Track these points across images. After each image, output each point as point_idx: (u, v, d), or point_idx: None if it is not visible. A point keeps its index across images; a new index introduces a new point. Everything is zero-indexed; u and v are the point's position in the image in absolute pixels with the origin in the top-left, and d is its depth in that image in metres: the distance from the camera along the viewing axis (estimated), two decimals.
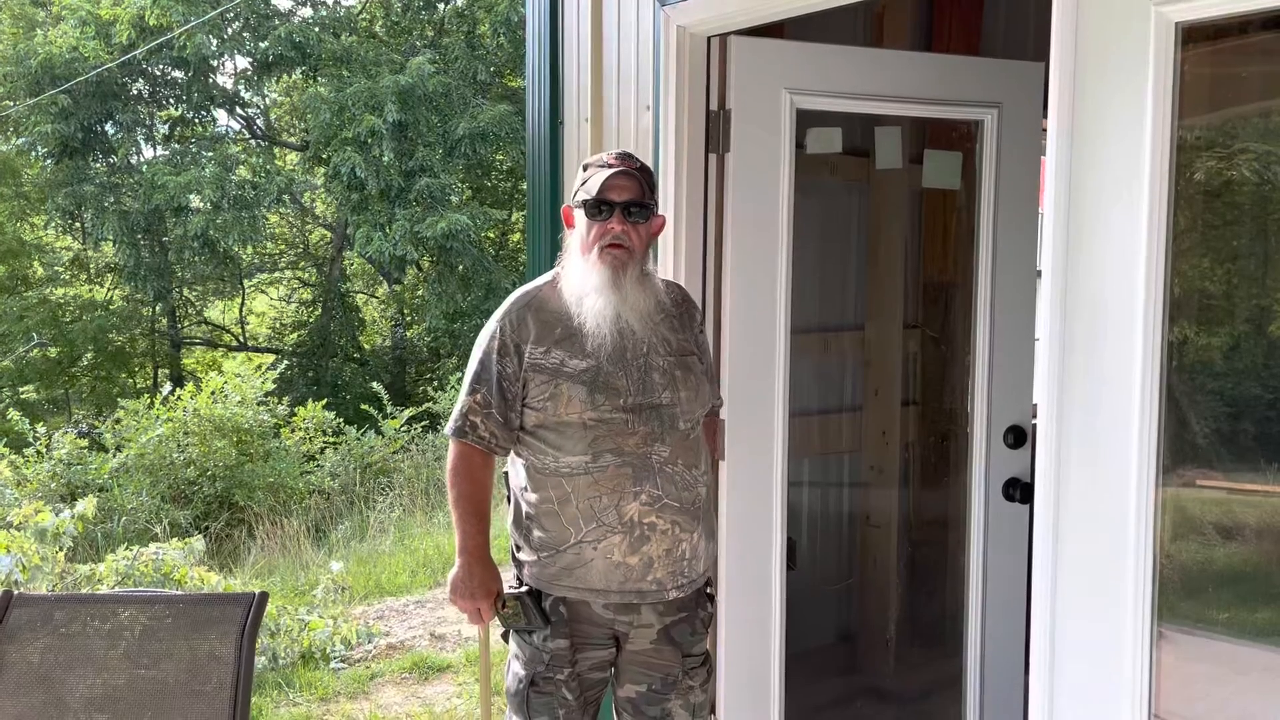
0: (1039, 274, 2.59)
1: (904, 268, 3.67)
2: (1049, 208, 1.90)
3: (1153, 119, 1.75)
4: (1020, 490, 2.87)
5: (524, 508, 2.20)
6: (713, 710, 2.68)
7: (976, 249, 2.91)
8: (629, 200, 2.11)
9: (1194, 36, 1.77)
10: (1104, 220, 1.83)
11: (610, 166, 2.14)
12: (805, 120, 2.91)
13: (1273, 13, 1.72)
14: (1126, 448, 1.82)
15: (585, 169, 2.20)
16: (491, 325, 2.20)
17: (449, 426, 2.21)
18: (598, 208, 2.11)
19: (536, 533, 2.17)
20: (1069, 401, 1.89)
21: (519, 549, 2.23)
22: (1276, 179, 1.92)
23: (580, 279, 2.14)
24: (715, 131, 2.68)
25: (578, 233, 2.17)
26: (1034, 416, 2.82)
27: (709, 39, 2.67)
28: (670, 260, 2.69)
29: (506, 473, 2.29)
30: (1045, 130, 1.95)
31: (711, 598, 2.32)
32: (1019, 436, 2.89)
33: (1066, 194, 1.87)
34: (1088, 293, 1.86)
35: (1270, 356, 1.94)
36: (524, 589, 2.18)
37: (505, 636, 2.26)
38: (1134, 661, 1.84)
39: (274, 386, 9.61)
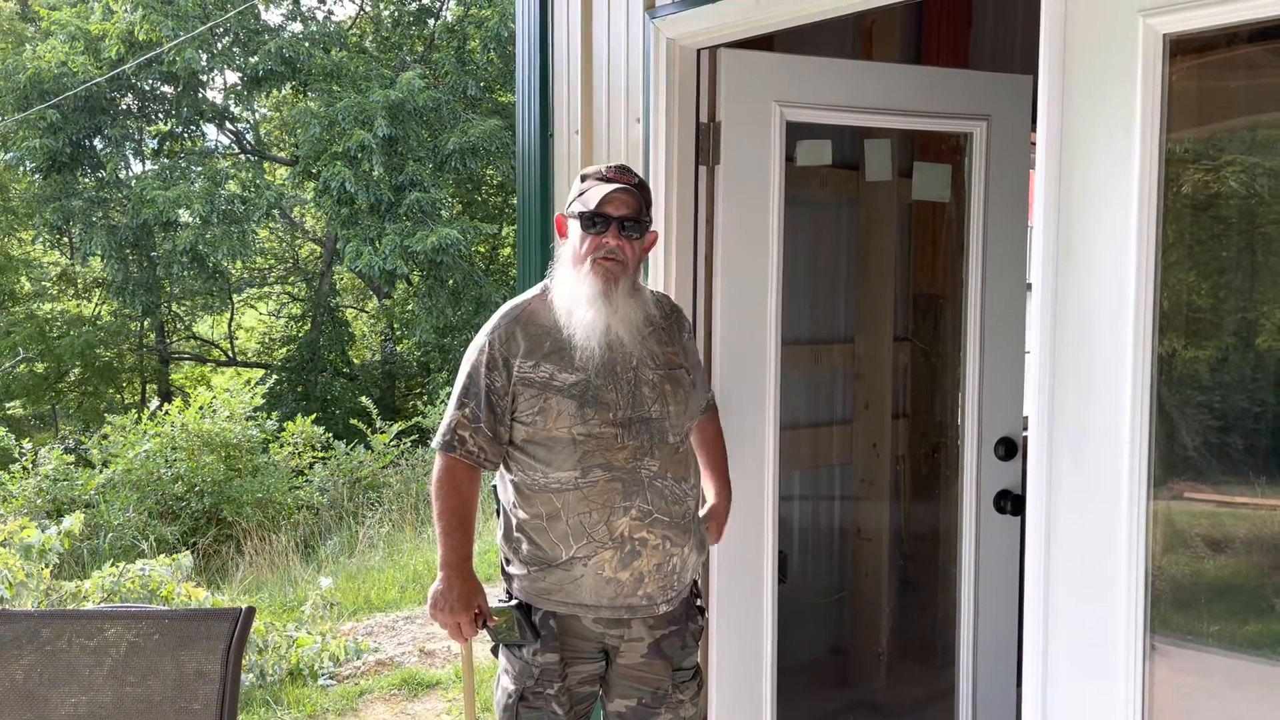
0: (1029, 286, 2.60)
1: (894, 280, 3.68)
2: (1038, 220, 1.91)
3: (1141, 131, 1.76)
4: (1011, 502, 2.87)
5: (514, 522, 2.19)
6: None
7: (966, 261, 2.92)
8: (625, 215, 2.11)
9: (1182, 49, 1.78)
10: (1093, 233, 1.83)
11: (610, 180, 2.13)
12: (795, 133, 2.92)
13: (1260, 25, 1.73)
14: (1117, 460, 1.82)
15: (583, 179, 2.19)
16: (480, 339, 2.19)
17: (436, 440, 2.20)
18: (593, 220, 2.10)
19: (526, 547, 2.16)
20: (1060, 414, 1.89)
21: (509, 562, 2.21)
22: (1263, 192, 1.93)
23: (571, 290, 2.13)
24: (705, 144, 2.68)
25: (570, 243, 2.16)
26: (1025, 428, 2.82)
27: (699, 52, 2.67)
28: (661, 272, 2.69)
29: (495, 486, 2.28)
30: (1034, 142, 1.96)
31: (702, 610, 2.31)
32: (1010, 448, 2.89)
33: (1056, 206, 1.87)
34: (1077, 305, 1.86)
35: (1258, 369, 1.95)
36: (514, 603, 2.16)
37: (495, 651, 2.24)
38: (1127, 674, 1.83)
39: (263, 401, 9.58)
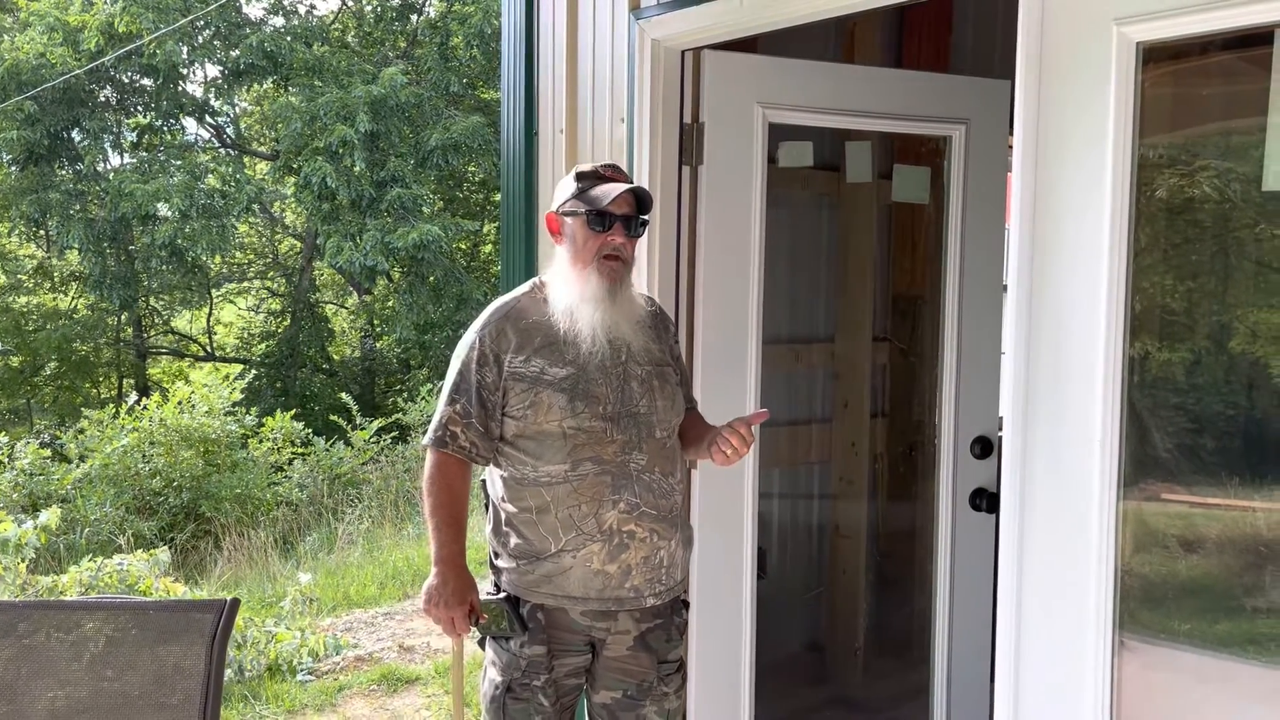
0: (1005, 288, 2.63)
1: (873, 281, 3.71)
2: (1014, 223, 1.94)
3: (1114, 137, 1.79)
4: (987, 500, 2.90)
5: (503, 516, 2.20)
6: (684, 718, 2.69)
7: (944, 263, 2.95)
8: (629, 214, 2.14)
9: (1155, 56, 1.82)
10: (1067, 236, 1.87)
11: (612, 179, 2.16)
12: (777, 134, 2.94)
13: (1232, 34, 1.76)
14: (1089, 460, 1.85)
15: (580, 178, 2.19)
16: (470, 336, 2.20)
17: (427, 437, 2.20)
18: (601, 219, 2.12)
19: (515, 540, 2.17)
20: (1034, 414, 1.93)
21: (497, 556, 2.23)
22: (1236, 197, 1.96)
23: (574, 289, 2.14)
24: (689, 144, 2.70)
25: (571, 242, 2.17)
26: (1001, 428, 2.85)
27: (683, 53, 2.69)
28: (644, 270, 2.71)
29: (484, 481, 2.30)
30: (1012, 146, 1.99)
31: (686, 604, 2.34)
32: (985, 447, 2.93)
33: (1031, 210, 1.91)
34: (1051, 307, 1.89)
35: (1230, 372, 1.98)
36: (502, 595, 2.18)
37: (482, 643, 2.26)
38: (1096, 670, 1.87)
39: (242, 397, 9.53)
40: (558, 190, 2.24)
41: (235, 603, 2.14)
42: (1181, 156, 1.97)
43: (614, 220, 2.12)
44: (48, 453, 8.74)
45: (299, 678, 4.44)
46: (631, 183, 2.19)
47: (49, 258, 15.09)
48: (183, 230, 12.27)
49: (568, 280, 2.16)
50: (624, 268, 2.15)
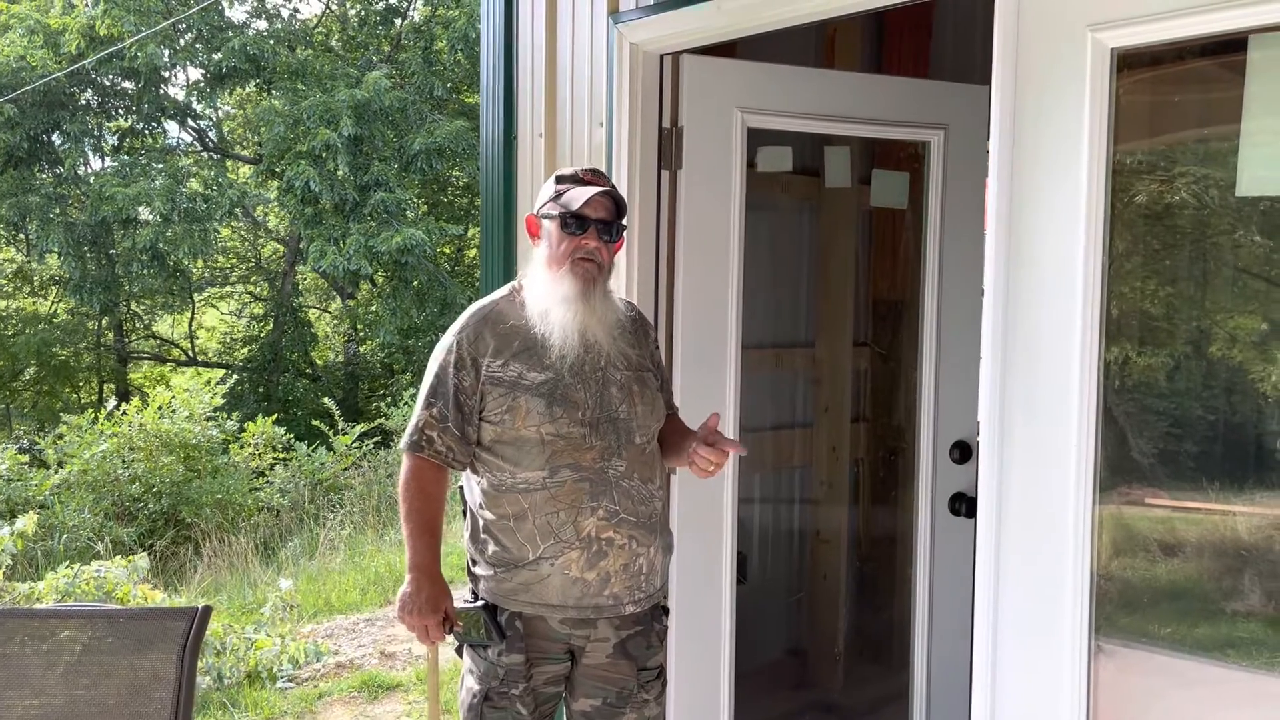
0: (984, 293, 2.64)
1: (853, 286, 3.71)
2: (990, 228, 1.95)
3: (1089, 143, 1.80)
4: (966, 505, 2.91)
5: (480, 523, 2.19)
6: None
7: (923, 267, 2.96)
8: (604, 218, 2.13)
9: (1130, 63, 1.83)
10: (1042, 242, 1.87)
11: (589, 184, 2.15)
12: (756, 139, 2.95)
13: (1206, 40, 1.77)
14: (1064, 464, 1.86)
15: (559, 181, 2.20)
16: (448, 339, 2.19)
17: (404, 441, 2.19)
18: (575, 222, 2.11)
19: (493, 548, 2.16)
20: (1010, 419, 1.93)
21: (475, 563, 2.22)
22: (1213, 203, 1.97)
23: (547, 290, 2.14)
24: (668, 148, 2.70)
25: (546, 245, 2.17)
26: (979, 432, 2.86)
27: (662, 57, 2.69)
28: (623, 275, 2.70)
29: (463, 487, 2.28)
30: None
31: (666, 611, 2.33)
32: (965, 452, 2.93)
33: (1007, 215, 1.91)
34: (1027, 312, 1.90)
35: (1209, 377, 1.98)
36: (479, 603, 2.17)
37: (459, 651, 2.24)
38: (1072, 674, 1.87)
39: (223, 402, 9.47)
40: (540, 193, 2.25)
41: (207, 610, 2.12)
42: (1157, 162, 1.98)
43: (589, 224, 2.12)
44: (26, 458, 8.66)
45: (279, 685, 4.41)
46: (611, 187, 2.18)
47: (28, 261, 14.96)
48: (164, 234, 12.19)
49: (543, 282, 2.15)
50: (598, 271, 2.14)
